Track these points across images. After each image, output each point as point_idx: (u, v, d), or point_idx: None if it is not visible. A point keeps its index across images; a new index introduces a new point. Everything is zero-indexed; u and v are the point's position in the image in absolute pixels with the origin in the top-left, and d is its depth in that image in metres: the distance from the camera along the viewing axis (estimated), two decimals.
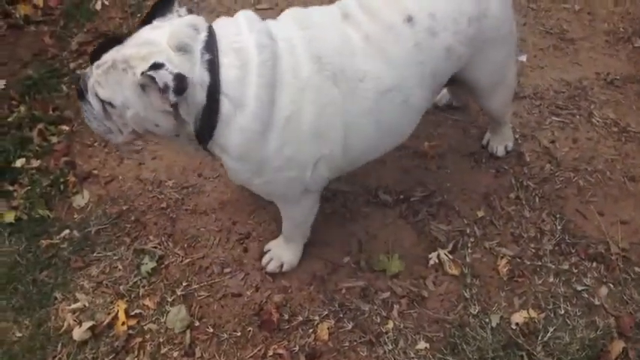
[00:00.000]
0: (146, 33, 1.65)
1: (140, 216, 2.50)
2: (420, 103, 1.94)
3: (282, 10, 1.90)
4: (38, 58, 3.15)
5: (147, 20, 1.70)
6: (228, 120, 1.67)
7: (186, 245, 2.40)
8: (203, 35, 1.64)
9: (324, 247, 2.35)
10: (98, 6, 3.42)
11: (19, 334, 2.16)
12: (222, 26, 1.72)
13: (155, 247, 2.38)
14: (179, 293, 2.25)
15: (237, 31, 1.70)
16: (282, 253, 2.27)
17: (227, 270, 2.32)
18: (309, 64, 1.72)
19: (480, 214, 2.42)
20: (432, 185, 2.52)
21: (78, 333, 2.12)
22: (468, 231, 2.37)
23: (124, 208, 2.52)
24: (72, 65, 3.11)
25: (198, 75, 1.61)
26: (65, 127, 2.82)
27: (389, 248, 2.34)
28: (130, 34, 3.07)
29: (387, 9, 1.83)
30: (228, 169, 1.86)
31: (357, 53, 1.78)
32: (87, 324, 2.15)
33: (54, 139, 2.76)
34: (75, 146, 2.77)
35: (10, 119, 2.79)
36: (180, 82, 1.53)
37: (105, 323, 2.18)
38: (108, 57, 1.63)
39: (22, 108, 2.83)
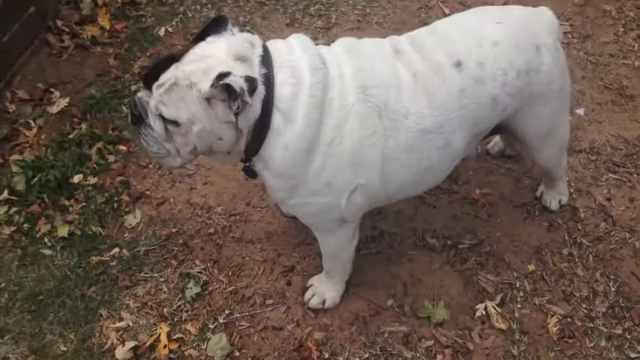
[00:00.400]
0: (201, 49, 1.69)
1: (188, 240, 2.56)
2: (460, 148, 1.97)
3: None
4: (102, 78, 3.29)
5: (200, 37, 1.75)
6: (277, 134, 1.72)
7: (230, 273, 2.44)
8: (259, 50, 1.71)
9: (367, 288, 2.36)
10: (162, 32, 3.56)
11: (63, 348, 2.22)
12: (276, 45, 1.80)
13: (200, 273, 2.43)
14: (221, 321, 2.29)
15: (291, 51, 1.77)
16: (324, 289, 2.29)
17: (269, 302, 2.35)
18: (355, 93, 1.78)
19: (531, 268, 2.40)
20: (482, 234, 2.52)
21: (121, 352, 2.16)
22: (517, 284, 2.35)
23: (174, 230, 2.59)
24: (133, 87, 3.23)
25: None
26: (123, 147, 2.92)
27: (434, 295, 2.33)
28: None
29: (438, 51, 1.88)
30: (267, 187, 1.91)
31: (404, 89, 1.83)
32: (130, 344, 2.19)
33: (111, 158, 2.86)
34: (130, 166, 2.86)
35: (71, 136, 2.91)
36: (252, 83, 1.58)
37: (147, 344, 2.22)
38: (168, 76, 1.65)
39: (84, 126, 2.95)
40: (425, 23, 3.49)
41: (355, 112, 1.78)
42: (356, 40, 1.95)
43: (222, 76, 1.57)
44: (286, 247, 2.52)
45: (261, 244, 2.53)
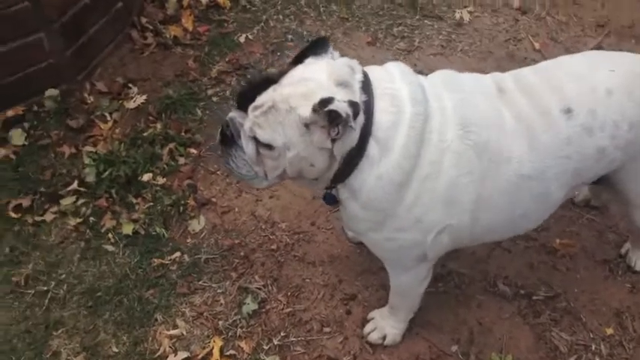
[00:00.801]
0: (301, 71, 1.63)
1: (249, 253, 2.52)
2: (558, 198, 1.87)
3: None
4: (180, 79, 3.32)
5: (299, 59, 1.70)
6: (372, 164, 1.65)
7: (289, 293, 2.39)
8: (359, 76, 1.65)
9: (431, 329, 2.26)
10: (242, 39, 3.58)
11: (115, 350, 2.21)
12: (375, 72, 1.73)
13: (259, 289, 2.39)
14: (276, 342, 2.23)
15: (391, 79, 1.70)
16: (386, 325, 2.21)
17: (327, 329, 2.28)
18: (455, 129, 1.71)
19: (609, 331, 2.25)
20: (559, 287, 2.38)
21: None
22: (593, 347, 2.21)
23: (236, 241, 2.56)
24: (209, 92, 3.25)
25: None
26: (193, 151, 2.92)
27: (502, 346, 2.21)
28: (267, 69, 3.22)
29: (547, 94, 1.78)
30: (349, 217, 1.83)
31: (506, 131, 1.75)
32: (182, 354, 2.17)
33: (181, 160, 2.86)
34: (199, 171, 2.86)
35: (145, 134, 2.93)
36: (356, 108, 1.53)
37: (199, 357, 2.19)
38: (266, 98, 1.60)
39: (158, 125, 2.98)
40: (512, 56, 3.42)
41: (453, 148, 1.70)
42: (456, 73, 1.88)
43: (326, 101, 1.50)
44: (349, 273, 2.45)
45: (323, 267, 2.47)
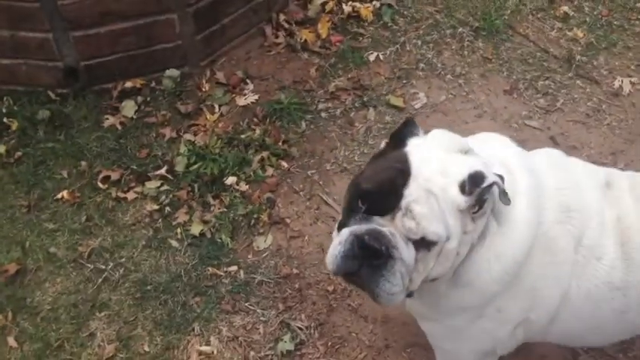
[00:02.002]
0: (419, 151, 1.49)
1: (304, 287, 2.49)
2: (637, 323, 1.70)
3: None
4: (296, 86, 3.33)
5: (396, 145, 1.55)
6: (490, 243, 1.55)
7: (330, 343, 2.32)
8: (468, 143, 1.58)
9: None
10: (372, 57, 3.51)
11: (146, 349, 2.29)
12: (474, 140, 1.65)
13: (301, 329, 2.35)
14: None
15: (493, 147, 1.65)
16: None
17: None
18: (554, 212, 1.58)
19: None
20: None
21: None
22: None
23: (295, 271, 2.53)
24: (320, 106, 3.24)
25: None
26: (284, 164, 2.93)
27: None
28: (385, 96, 3.12)
29: None
30: (431, 304, 1.69)
31: (605, 229, 1.61)
32: None
33: (269, 171, 2.88)
34: (283, 186, 2.86)
35: (243, 136, 2.98)
36: (503, 181, 1.44)
37: None
38: (416, 189, 1.42)
39: (258, 130, 3.01)
40: None
41: (548, 232, 1.57)
42: (564, 155, 1.76)
43: (479, 177, 1.39)
44: (399, 341, 2.33)
45: (374, 326, 2.37)
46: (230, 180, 2.82)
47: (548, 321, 1.68)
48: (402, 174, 1.43)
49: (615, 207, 1.64)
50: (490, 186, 1.40)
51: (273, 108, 3.17)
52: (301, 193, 2.84)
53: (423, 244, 1.42)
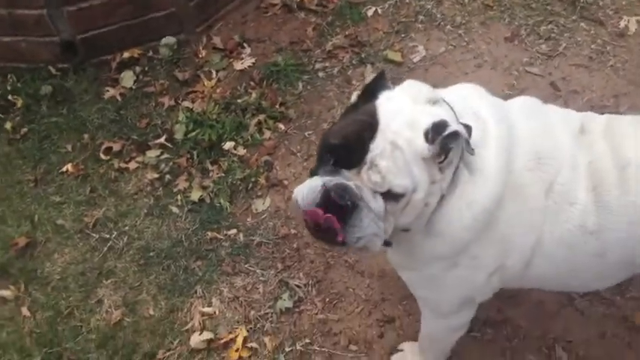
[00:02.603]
0: (388, 103, 1.51)
1: (302, 247, 2.58)
2: (618, 266, 1.72)
3: None
4: (293, 47, 3.36)
5: (366, 99, 1.56)
6: (461, 192, 1.58)
7: (327, 299, 2.42)
8: (438, 93, 1.59)
9: None
10: (370, 12, 3.51)
11: (151, 312, 2.42)
12: (446, 92, 1.66)
13: (299, 287, 2.45)
14: (298, 347, 2.30)
15: (467, 98, 1.65)
16: None
17: (353, 347, 2.30)
18: (525, 159, 1.61)
19: None
20: None
21: (195, 340, 2.30)
22: None
23: (292, 232, 2.62)
24: (317, 65, 3.27)
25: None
26: (282, 126, 2.99)
27: None
28: (383, 51, 3.13)
29: (632, 146, 1.62)
30: (407, 254, 1.74)
31: (577, 174, 1.63)
32: (207, 334, 2.32)
33: (267, 134, 2.95)
34: (281, 148, 2.93)
35: (239, 100, 3.04)
36: (470, 130, 1.48)
37: (222, 341, 2.33)
38: (382, 142, 1.45)
39: (254, 94, 3.07)
40: None
41: (518, 180, 1.60)
42: (539, 103, 1.77)
43: (441, 126, 1.42)
44: (395, 294, 2.41)
45: (371, 281, 2.46)
46: (228, 145, 2.90)
47: (523, 267, 1.71)
48: (369, 127, 1.46)
49: (588, 152, 1.65)
50: (452, 134, 1.43)
51: (270, 70, 3.22)
52: (299, 154, 2.90)
53: (390, 196, 1.46)
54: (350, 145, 1.46)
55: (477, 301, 1.86)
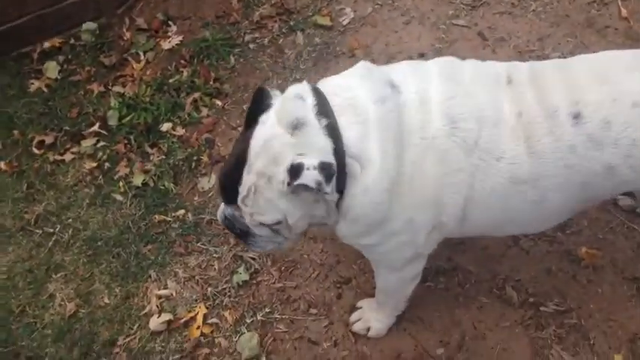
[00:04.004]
0: (259, 134, 1.61)
1: None
2: (560, 209, 1.80)
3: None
4: (219, 21, 3.32)
5: (251, 119, 1.65)
6: (356, 180, 1.64)
7: (283, 268, 2.45)
8: (310, 101, 1.61)
9: (420, 327, 2.27)
10: None
11: (106, 301, 2.40)
12: (330, 85, 1.70)
13: (253, 259, 2.47)
14: (259, 317, 2.33)
15: (348, 87, 1.67)
16: (372, 317, 2.23)
17: (313, 311, 2.34)
18: (440, 124, 1.65)
19: (618, 358, 2.15)
20: (573, 301, 2.29)
21: (154, 323, 2.29)
22: None
23: None
24: (247, 37, 3.24)
25: (323, 143, 1.57)
26: (219, 102, 2.97)
27: (493, 357, 2.18)
28: (312, 17, 3.13)
29: (559, 92, 1.67)
30: (337, 233, 1.83)
31: (502, 128, 1.67)
32: (165, 316, 2.32)
33: (204, 112, 2.93)
34: (220, 124, 2.92)
35: (171, 80, 3.00)
36: (328, 169, 1.53)
37: (182, 321, 2.33)
38: (247, 184, 1.60)
39: (186, 72, 3.04)
40: (591, 23, 3.14)
41: (437, 145, 1.65)
42: (458, 62, 1.80)
43: (295, 171, 1.51)
44: (348, 255, 2.46)
45: (324, 245, 2.50)
46: (165, 126, 2.86)
47: (460, 221, 1.78)
48: (238, 167, 1.61)
49: (516, 103, 1.69)
50: (304, 186, 1.51)
51: (199, 47, 3.18)
52: (239, 129, 2.89)
53: (271, 224, 1.66)
54: (224, 188, 1.69)
55: (425, 254, 1.92)
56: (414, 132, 1.65)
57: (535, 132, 1.66)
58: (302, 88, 1.65)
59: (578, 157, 1.66)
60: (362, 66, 1.73)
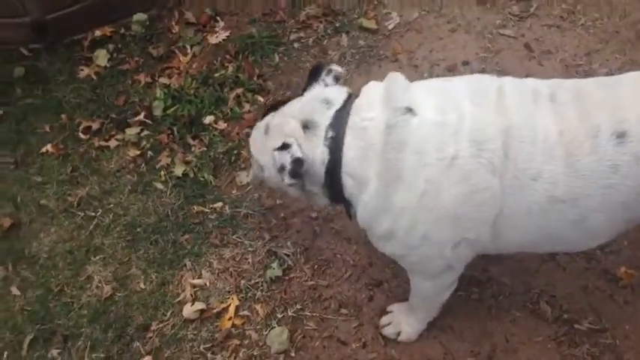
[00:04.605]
0: (294, 104, 1.86)
1: (289, 216, 2.60)
2: (601, 229, 1.76)
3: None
4: (266, 18, 3.35)
5: (305, 87, 1.89)
6: (353, 194, 1.78)
7: (316, 266, 2.45)
8: (332, 111, 1.75)
9: (451, 336, 2.25)
10: None
11: (142, 286, 2.43)
12: (363, 97, 1.78)
13: (288, 256, 2.47)
14: (290, 313, 2.33)
15: (369, 107, 1.73)
16: (403, 321, 2.22)
17: (344, 311, 2.34)
18: (462, 145, 1.64)
19: None
20: (608, 321, 2.24)
21: (188, 311, 2.32)
22: None
23: (278, 202, 2.64)
24: (292, 36, 3.26)
25: (319, 153, 1.73)
26: (261, 99, 2.99)
27: None
28: (357, 20, 3.13)
29: (602, 111, 1.64)
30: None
31: (540, 147, 1.64)
32: (199, 305, 2.33)
33: (246, 107, 2.95)
34: None
35: (217, 75, 3.03)
36: (297, 166, 1.69)
37: (214, 311, 2.35)
38: (265, 120, 1.91)
39: (231, 67, 3.06)
40: None
41: (459, 165, 1.64)
42: (491, 80, 1.78)
43: (282, 147, 1.72)
44: (382, 258, 2.43)
45: (357, 246, 2.49)
46: (208, 119, 2.89)
47: (491, 238, 1.76)
48: (275, 107, 1.94)
49: (558, 121, 1.66)
50: (274, 159, 1.76)
51: (245, 43, 3.21)
52: None
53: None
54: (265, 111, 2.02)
55: (457, 268, 1.91)
56: (429, 152, 1.65)
57: (576, 151, 1.63)
58: (335, 95, 1.79)
59: (621, 177, 1.63)
60: (389, 83, 1.77)
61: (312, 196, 1.89)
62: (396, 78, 1.77)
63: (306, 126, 1.75)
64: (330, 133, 1.72)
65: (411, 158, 1.65)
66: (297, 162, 1.70)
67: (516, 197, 1.67)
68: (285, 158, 1.70)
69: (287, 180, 1.72)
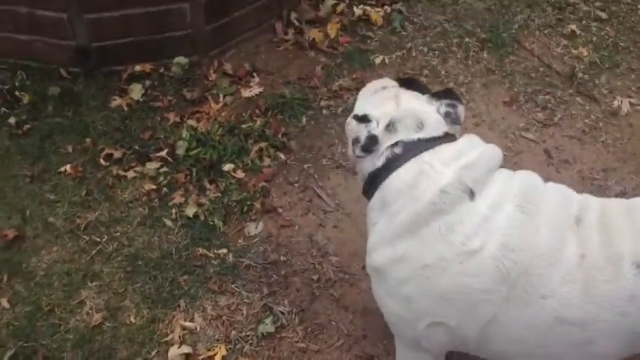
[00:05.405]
0: (410, 99, 1.85)
1: (290, 275, 2.58)
2: (603, 353, 1.72)
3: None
4: (300, 82, 3.44)
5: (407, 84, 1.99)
6: (373, 209, 1.82)
7: (309, 329, 2.41)
8: (416, 135, 1.74)
9: None
10: (378, 60, 3.61)
11: (132, 320, 2.39)
12: (455, 145, 1.76)
13: (282, 314, 2.44)
14: None
15: (446, 163, 1.70)
16: None
17: None
18: (493, 242, 1.63)
19: None
20: None
21: (173, 352, 2.27)
22: None
23: (282, 259, 2.63)
24: (322, 103, 3.34)
25: (378, 154, 1.77)
26: (282, 156, 3.03)
27: None
28: None
29: (625, 239, 1.64)
30: None
31: (559, 269, 1.64)
32: (185, 348, 2.29)
33: (266, 162, 2.99)
34: (279, 177, 2.96)
35: (244, 126, 3.09)
36: (370, 142, 1.75)
37: (200, 357, 2.31)
38: (379, 84, 2.01)
39: (259, 121, 3.12)
40: None
41: (477, 258, 1.64)
42: (543, 186, 1.80)
43: (363, 118, 1.79)
44: (377, 332, 2.42)
45: (354, 316, 2.46)
46: (227, 167, 2.92)
47: (479, 339, 1.73)
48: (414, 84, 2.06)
49: (581, 245, 1.66)
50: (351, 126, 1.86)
51: (276, 101, 3.28)
52: (296, 184, 2.93)
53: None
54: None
55: (427, 348, 1.86)
56: (458, 233, 1.65)
57: (595, 277, 1.63)
58: (433, 124, 1.79)
59: (636, 307, 1.62)
60: (485, 153, 1.78)
61: (355, 164, 1.97)
62: (494, 152, 1.79)
63: (389, 127, 1.77)
64: (397, 150, 1.74)
65: (440, 229, 1.65)
66: (372, 138, 1.74)
67: (519, 309, 1.66)
68: (362, 131, 1.76)
69: (358, 152, 1.77)
